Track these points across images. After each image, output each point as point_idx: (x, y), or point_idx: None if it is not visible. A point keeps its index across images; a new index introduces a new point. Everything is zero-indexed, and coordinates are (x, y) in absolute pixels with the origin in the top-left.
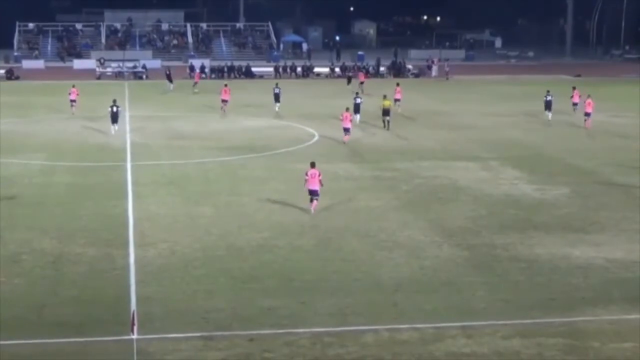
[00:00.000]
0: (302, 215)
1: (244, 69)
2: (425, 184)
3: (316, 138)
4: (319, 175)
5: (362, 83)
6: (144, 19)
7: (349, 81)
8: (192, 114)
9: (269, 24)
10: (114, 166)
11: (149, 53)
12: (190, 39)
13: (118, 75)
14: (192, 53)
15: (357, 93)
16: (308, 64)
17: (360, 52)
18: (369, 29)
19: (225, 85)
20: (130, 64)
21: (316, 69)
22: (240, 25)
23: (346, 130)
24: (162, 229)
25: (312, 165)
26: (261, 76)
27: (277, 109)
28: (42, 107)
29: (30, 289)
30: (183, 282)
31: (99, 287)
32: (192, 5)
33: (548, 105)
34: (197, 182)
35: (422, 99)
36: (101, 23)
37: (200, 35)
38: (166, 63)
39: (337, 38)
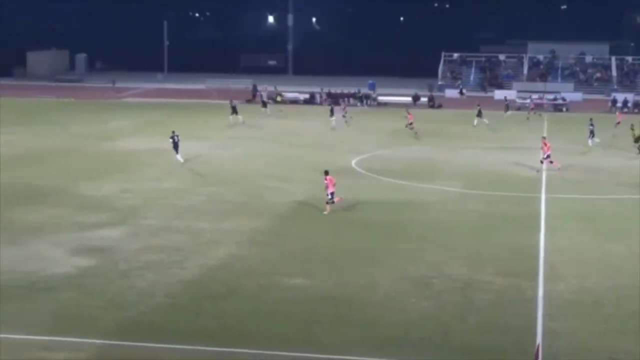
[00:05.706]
0: None
1: None
2: None
3: None
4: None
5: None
6: (567, 51)
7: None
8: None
9: None
10: (528, 197)
11: (570, 85)
12: (614, 73)
13: (537, 107)
14: (615, 87)
15: None
16: None
17: None
18: None
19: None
20: (551, 96)
21: None
22: None
23: None
24: (572, 264)
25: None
26: None
27: None
28: (460, 136)
29: (437, 312)
30: (591, 320)
31: (505, 316)
32: (618, 37)
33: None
34: (611, 219)
35: None
36: (524, 54)
37: (625, 69)
38: (587, 96)
39: None
